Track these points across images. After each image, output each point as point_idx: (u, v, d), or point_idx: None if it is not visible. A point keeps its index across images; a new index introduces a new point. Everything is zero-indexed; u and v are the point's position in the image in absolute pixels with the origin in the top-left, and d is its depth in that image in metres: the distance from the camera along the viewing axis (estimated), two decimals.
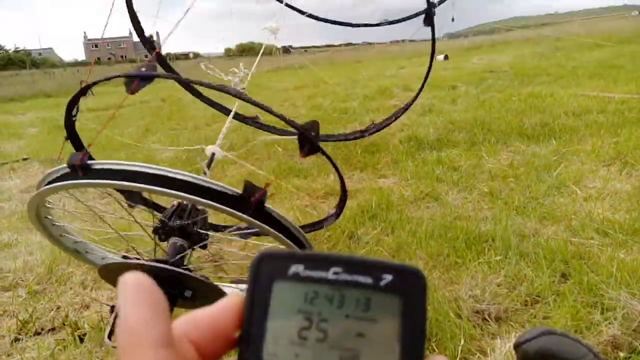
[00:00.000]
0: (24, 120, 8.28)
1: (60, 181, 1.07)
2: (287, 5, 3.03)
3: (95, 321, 1.78)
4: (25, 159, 4.71)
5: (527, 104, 5.00)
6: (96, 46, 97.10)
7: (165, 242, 1.24)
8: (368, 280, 0.28)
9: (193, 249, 1.27)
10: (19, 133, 6.74)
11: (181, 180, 0.99)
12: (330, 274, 0.28)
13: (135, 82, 1.13)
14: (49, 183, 1.11)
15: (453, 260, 2.01)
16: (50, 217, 1.31)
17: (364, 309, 0.28)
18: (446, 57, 13.89)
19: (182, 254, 1.18)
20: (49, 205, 1.27)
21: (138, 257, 1.29)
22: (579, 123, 4.02)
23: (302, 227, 1.34)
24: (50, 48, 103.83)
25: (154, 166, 1.00)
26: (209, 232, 1.32)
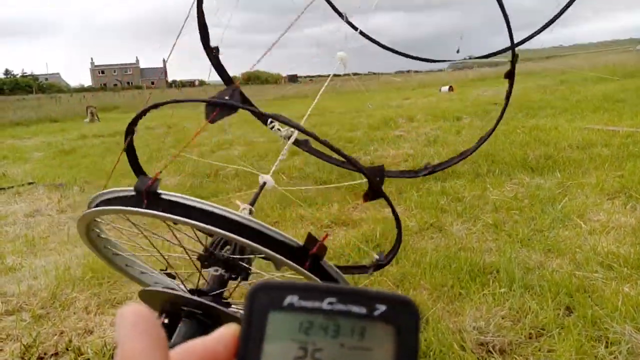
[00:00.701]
0: (30, 145, 8.38)
1: (118, 204, 1.03)
2: (361, 33, 3.07)
3: (99, 346, 1.78)
4: (30, 183, 4.75)
5: (532, 137, 5.03)
6: (103, 72, 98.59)
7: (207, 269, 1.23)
8: (362, 310, 0.28)
9: (237, 283, 1.25)
10: (25, 157, 6.81)
11: (246, 227, 0.97)
12: (324, 304, 0.29)
13: (217, 110, 1.10)
14: (107, 202, 1.07)
15: (457, 292, 2.00)
16: (98, 230, 1.30)
17: (358, 339, 0.28)
18: (451, 88, 14.04)
19: (223, 288, 1.16)
20: (99, 220, 1.26)
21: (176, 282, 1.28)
22: (584, 156, 4.04)
23: (344, 267, 1.32)
24: (57, 73, 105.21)
25: (224, 208, 0.98)
26: (251, 268, 1.31)
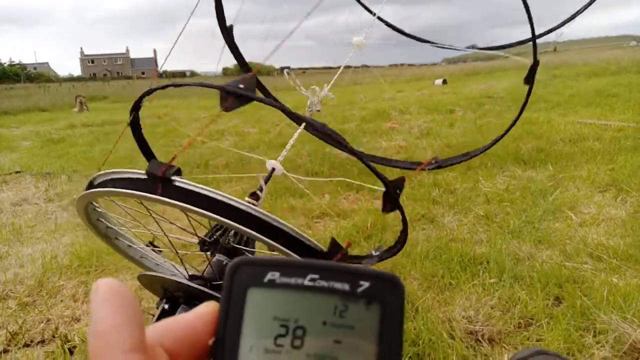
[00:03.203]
0: (18, 134, 8.27)
1: (129, 188, 0.96)
2: (379, 18, 3.00)
3: (86, 334, 1.76)
4: (17, 172, 4.70)
5: (524, 130, 5.03)
6: (93, 62, 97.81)
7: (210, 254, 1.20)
8: (345, 286, 0.28)
9: None
10: (12, 146, 6.73)
11: (264, 222, 0.93)
12: (306, 281, 0.28)
13: (231, 99, 1.05)
14: (111, 184, 1.00)
15: (447, 282, 2.00)
16: (102, 219, 1.25)
17: (341, 316, 0.27)
18: (444, 82, 14.05)
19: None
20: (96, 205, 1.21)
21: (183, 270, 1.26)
22: (575, 150, 4.05)
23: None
24: (46, 62, 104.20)
25: (243, 202, 0.94)
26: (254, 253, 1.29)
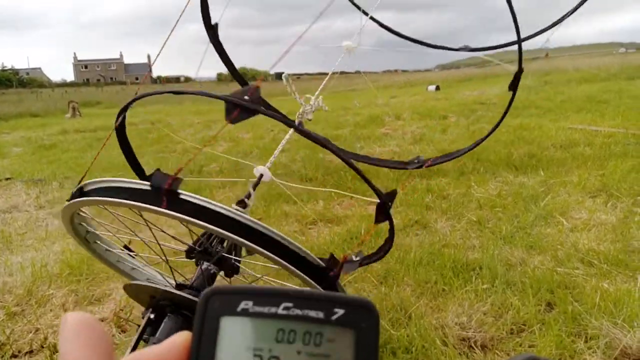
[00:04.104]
0: (8, 140, 8.21)
1: (132, 199, 0.94)
2: (371, 18, 3.00)
3: None
4: (8, 179, 4.66)
5: (516, 136, 5.07)
6: (86, 67, 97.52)
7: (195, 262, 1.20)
8: (319, 314, 0.27)
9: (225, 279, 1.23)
10: (3, 152, 6.68)
11: (266, 237, 0.93)
12: (280, 309, 0.27)
13: (237, 111, 1.03)
14: (112, 191, 0.98)
15: (440, 288, 2.00)
16: (84, 223, 1.24)
17: (316, 344, 0.27)
18: (438, 88, 14.11)
19: (211, 285, 1.13)
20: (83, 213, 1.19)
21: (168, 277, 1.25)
22: (566, 155, 4.07)
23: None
24: (39, 68, 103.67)
25: (245, 215, 0.94)
26: (240, 265, 1.28)
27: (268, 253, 0.92)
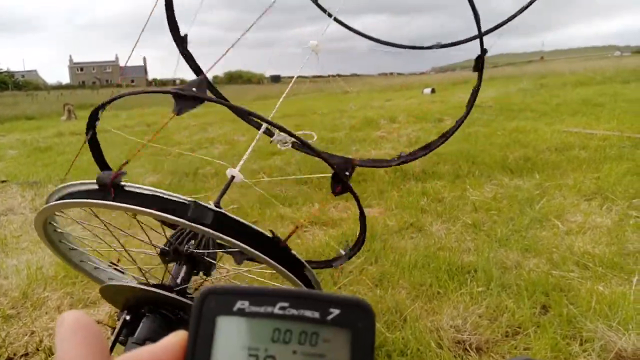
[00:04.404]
0: (4, 142, 8.18)
1: (83, 198, 0.99)
2: (335, 20, 3.01)
3: None
4: (3, 182, 4.64)
5: (511, 139, 5.09)
6: (82, 69, 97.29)
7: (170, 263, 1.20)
8: (315, 314, 0.27)
9: (205, 277, 1.23)
10: None
11: (214, 214, 0.95)
12: (276, 309, 0.27)
13: (181, 102, 1.06)
14: (66, 197, 1.03)
15: (435, 291, 2.00)
16: (55, 223, 1.25)
17: (311, 344, 0.27)
18: (433, 91, 14.15)
19: (187, 283, 1.14)
20: (57, 214, 1.22)
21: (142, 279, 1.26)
22: (562, 158, 4.09)
23: (309, 262, 1.32)
24: (34, 70, 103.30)
25: (189, 199, 0.96)
26: (215, 262, 1.29)
27: (213, 232, 0.92)
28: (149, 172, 4.72)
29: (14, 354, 1.75)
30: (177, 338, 0.28)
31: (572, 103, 7.84)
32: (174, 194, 0.95)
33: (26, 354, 1.75)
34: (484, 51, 2.62)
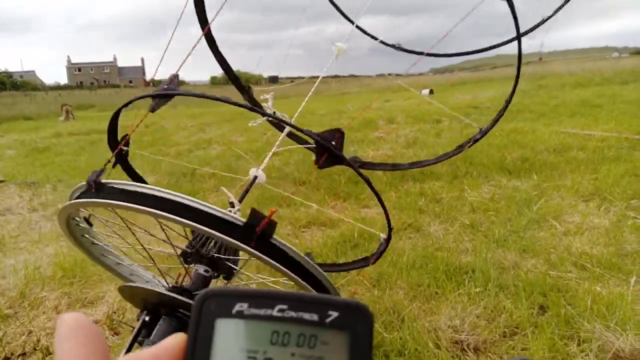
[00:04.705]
0: (2, 143, 8.16)
1: (80, 198, 1.03)
2: (357, 27, 3.02)
3: None
4: (1, 182, 4.63)
5: (510, 140, 5.09)
6: (79, 70, 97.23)
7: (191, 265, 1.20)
8: (314, 317, 0.27)
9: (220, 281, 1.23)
10: None
11: (183, 205, 0.95)
12: (275, 312, 0.28)
13: (155, 100, 1.08)
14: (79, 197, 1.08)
15: (433, 291, 2.01)
16: (78, 219, 1.27)
17: (310, 347, 0.27)
18: (431, 92, 14.16)
19: (206, 287, 1.14)
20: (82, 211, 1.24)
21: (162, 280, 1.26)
22: (560, 159, 4.09)
23: (331, 265, 1.29)
24: (33, 71, 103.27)
25: (166, 190, 0.96)
26: (236, 267, 1.28)
27: (185, 221, 0.92)
28: (147, 173, 4.71)
29: (12, 354, 1.74)
30: (176, 340, 0.28)
31: (571, 104, 7.85)
32: (150, 186, 0.96)
33: (24, 354, 1.75)
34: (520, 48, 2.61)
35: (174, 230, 1.34)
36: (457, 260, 2.26)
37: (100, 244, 1.37)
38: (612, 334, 1.56)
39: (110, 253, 1.41)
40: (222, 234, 0.93)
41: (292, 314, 0.28)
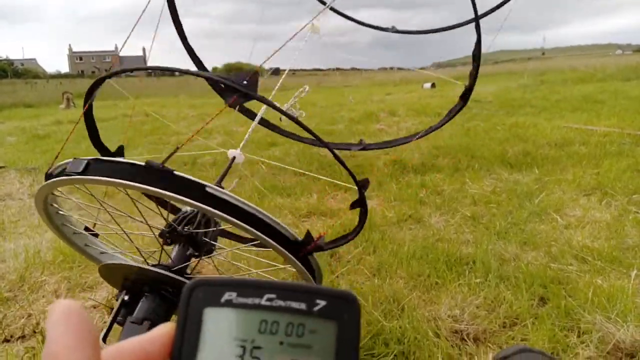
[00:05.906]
0: (3, 129, 8.15)
1: (63, 175, 1.04)
2: (331, 9, 3.01)
3: None
4: (1, 167, 4.63)
5: (511, 133, 5.08)
6: (81, 59, 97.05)
7: (171, 247, 1.21)
8: (302, 306, 0.28)
9: (199, 259, 1.24)
10: None
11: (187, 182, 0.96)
12: (263, 300, 0.28)
13: (235, 96, 1.06)
14: (58, 175, 1.06)
15: (433, 281, 2.00)
16: (55, 205, 1.26)
17: (298, 335, 0.27)
18: (433, 85, 14.13)
19: (187, 263, 1.15)
20: (56, 194, 1.24)
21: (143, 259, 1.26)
22: (561, 153, 4.09)
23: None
24: (34, 59, 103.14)
25: (156, 162, 0.97)
26: (216, 243, 1.29)
27: (186, 198, 0.92)
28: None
29: (11, 336, 1.75)
30: (165, 329, 0.29)
31: (573, 99, 7.83)
32: (136, 161, 0.96)
33: (23, 337, 1.75)
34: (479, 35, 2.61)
35: (149, 208, 1.35)
36: (457, 251, 2.26)
37: (82, 232, 1.37)
38: (613, 326, 1.56)
39: (92, 241, 1.41)
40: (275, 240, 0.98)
41: (281, 303, 0.28)
